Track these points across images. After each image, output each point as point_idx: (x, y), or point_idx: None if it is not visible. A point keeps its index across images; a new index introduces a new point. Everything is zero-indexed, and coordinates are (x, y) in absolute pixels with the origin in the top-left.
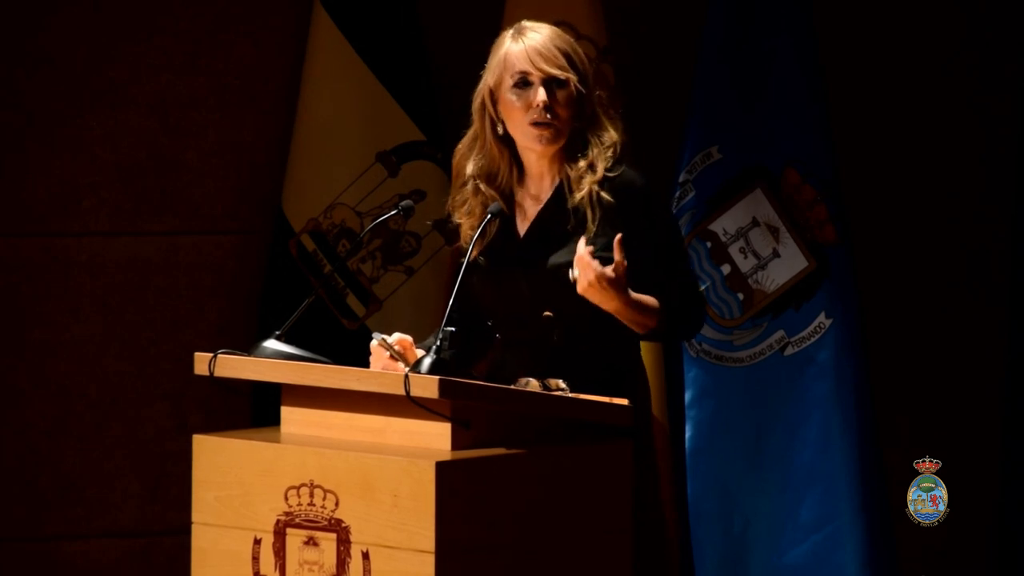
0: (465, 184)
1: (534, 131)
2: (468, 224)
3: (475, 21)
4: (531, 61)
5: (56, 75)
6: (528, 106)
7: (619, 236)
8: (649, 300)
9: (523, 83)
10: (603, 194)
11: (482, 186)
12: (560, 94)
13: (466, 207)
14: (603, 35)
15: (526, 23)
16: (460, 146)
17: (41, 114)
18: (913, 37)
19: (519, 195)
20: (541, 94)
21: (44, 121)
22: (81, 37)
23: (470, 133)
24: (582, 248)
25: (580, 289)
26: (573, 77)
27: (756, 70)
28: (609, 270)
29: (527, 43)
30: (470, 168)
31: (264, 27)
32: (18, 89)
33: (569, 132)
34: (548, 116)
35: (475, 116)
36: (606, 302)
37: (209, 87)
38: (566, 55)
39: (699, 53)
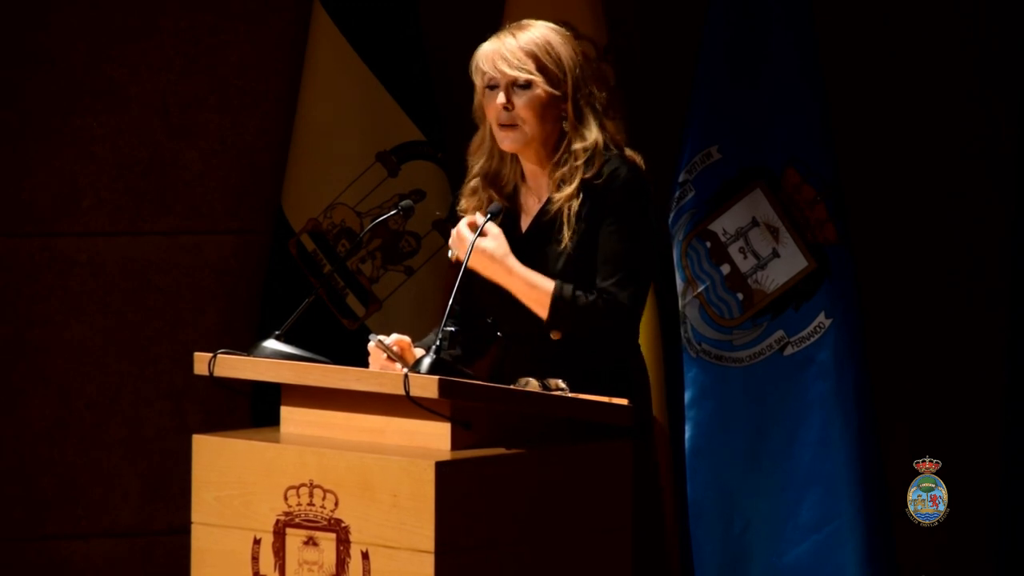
0: (474, 177)
1: (499, 133)
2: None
3: (475, 21)
4: (493, 63)
5: (56, 74)
6: (495, 108)
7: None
8: (540, 281)
9: (491, 85)
10: (575, 205)
11: (487, 185)
12: (523, 97)
13: (475, 199)
14: (603, 35)
15: (521, 22)
16: (471, 144)
17: (41, 113)
18: (913, 36)
19: (523, 193)
20: (500, 96)
21: (44, 120)
22: (81, 36)
23: (479, 132)
24: (463, 225)
25: (462, 258)
26: (537, 79)
27: (756, 70)
28: (488, 240)
29: (494, 45)
30: (477, 166)
31: (264, 27)
32: (18, 88)
33: (544, 135)
34: (508, 119)
35: (476, 117)
36: (494, 273)
37: (209, 87)
38: (534, 57)
39: (699, 53)
